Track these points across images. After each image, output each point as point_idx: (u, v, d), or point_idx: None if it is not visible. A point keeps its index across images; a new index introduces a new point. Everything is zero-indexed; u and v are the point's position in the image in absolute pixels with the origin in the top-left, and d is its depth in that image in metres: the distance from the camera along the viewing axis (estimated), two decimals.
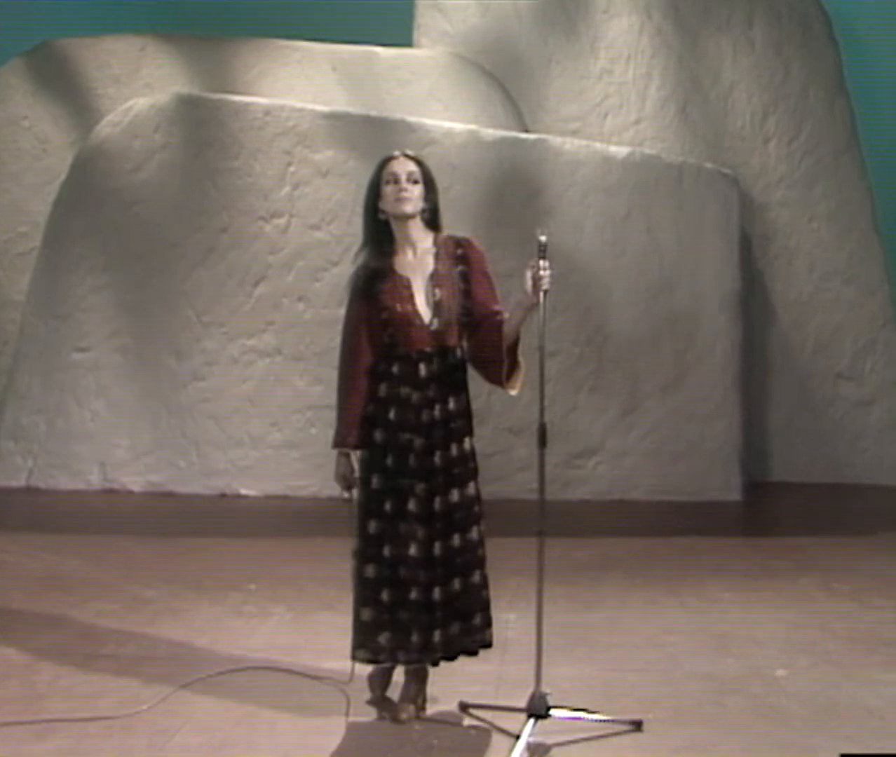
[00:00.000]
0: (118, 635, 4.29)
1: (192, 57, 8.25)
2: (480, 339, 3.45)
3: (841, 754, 3.27)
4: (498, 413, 7.38)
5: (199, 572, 5.30)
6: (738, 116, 8.41)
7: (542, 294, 3.35)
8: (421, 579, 3.37)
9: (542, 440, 3.44)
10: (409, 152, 3.52)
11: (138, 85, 8.17)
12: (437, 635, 3.40)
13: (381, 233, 3.49)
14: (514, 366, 3.47)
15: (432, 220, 3.51)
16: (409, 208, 3.44)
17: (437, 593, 3.39)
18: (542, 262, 3.36)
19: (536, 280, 3.34)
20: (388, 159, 3.50)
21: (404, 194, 3.42)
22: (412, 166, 3.46)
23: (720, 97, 8.44)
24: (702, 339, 7.75)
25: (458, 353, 3.51)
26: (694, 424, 7.71)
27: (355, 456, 3.50)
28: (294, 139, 7.47)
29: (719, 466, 7.64)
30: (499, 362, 3.43)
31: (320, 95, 7.98)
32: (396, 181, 3.44)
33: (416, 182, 3.45)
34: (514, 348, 3.46)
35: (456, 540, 3.42)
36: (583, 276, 7.60)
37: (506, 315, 3.45)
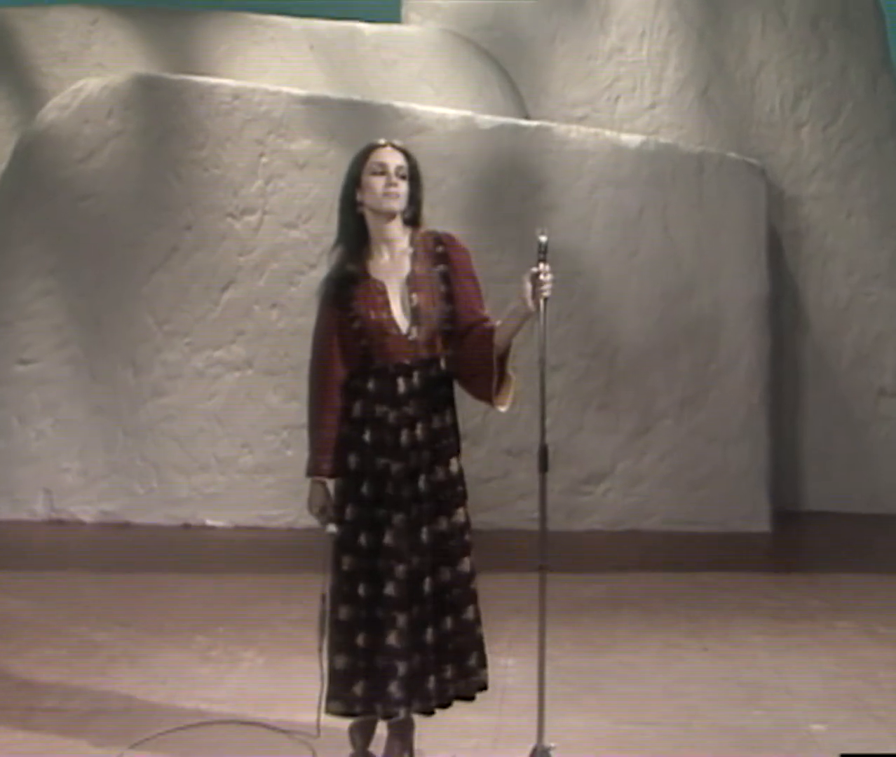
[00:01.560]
0: (64, 687, 4.29)
1: (150, 32, 8.28)
2: (467, 349, 3.44)
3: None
4: (495, 433, 7.42)
5: (159, 613, 5.32)
6: (766, 99, 8.46)
7: (542, 302, 3.34)
8: (399, 623, 3.36)
9: (544, 464, 3.46)
10: (398, 143, 3.50)
11: (89, 63, 8.17)
12: (431, 682, 3.39)
13: (357, 230, 3.49)
14: (503, 379, 3.45)
15: (412, 219, 3.52)
16: (397, 206, 3.45)
17: (429, 634, 3.39)
18: (542, 266, 3.35)
19: (536, 286, 3.33)
20: (374, 147, 3.47)
21: (395, 190, 3.43)
22: (401, 160, 3.45)
23: (746, 78, 8.49)
24: (725, 351, 7.80)
25: (442, 364, 3.52)
26: (716, 446, 7.76)
27: (332, 484, 3.51)
28: (267, 126, 7.52)
29: (745, 493, 7.68)
30: (487, 376, 3.41)
31: (296, 77, 8.03)
32: (384, 172, 3.44)
33: (403, 177, 3.46)
34: (503, 360, 3.44)
35: (446, 574, 3.43)
36: (590, 280, 7.66)
37: (496, 322, 3.43)
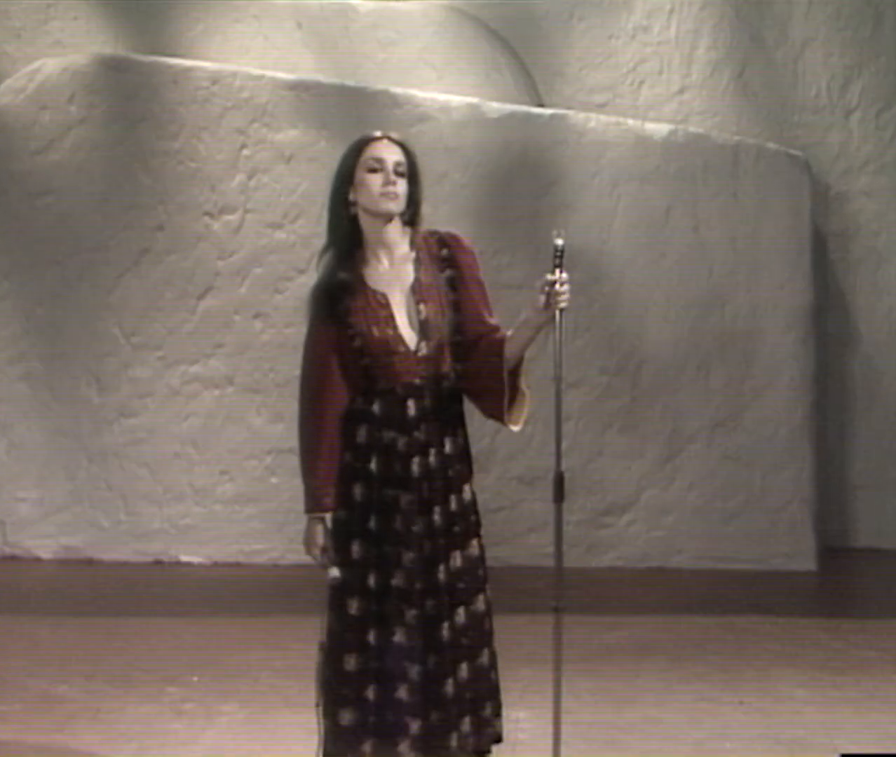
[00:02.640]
0: (18, 746, 4.29)
1: (117, 7, 8.26)
2: (476, 362, 3.43)
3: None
4: (505, 458, 7.43)
5: (126, 662, 5.34)
6: (811, 83, 8.47)
7: (558, 312, 3.34)
8: (411, 675, 3.35)
9: (560, 493, 3.48)
10: (395, 136, 3.48)
11: (47, 41, 8.10)
12: (453, 739, 3.37)
13: (349, 233, 3.48)
14: (515, 395, 3.45)
15: (411, 220, 3.52)
16: (395, 208, 3.45)
17: (449, 687, 3.37)
18: (558, 272, 3.35)
19: (551, 295, 3.33)
20: (370, 140, 3.45)
21: (392, 189, 3.43)
22: (399, 155, 3.43)
23: (788, 58, 8.50)
24: (763, 367, 7.82)
25: (452, 379, 3.53)
26: (753, 474, 7.77)
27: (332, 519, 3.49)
28: (249, 115, 7.55)
29: (786, 527, 7.69)
30: (499, 392, 3.40)
31: (282, 60, 8.02)
32: (382, 169, 3.44)
33: (402, 175, 3.46)
34: (516, 373, 3.44)
35: (461, 615, 3.41)
36: (611, 287, 7.68)
37: (507, 332, 3.44)
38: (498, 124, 7.67)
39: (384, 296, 3.44)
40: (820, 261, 8.21)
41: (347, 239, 3.46)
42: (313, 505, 3.47)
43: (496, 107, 7.72)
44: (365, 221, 3.45)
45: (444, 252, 3.50)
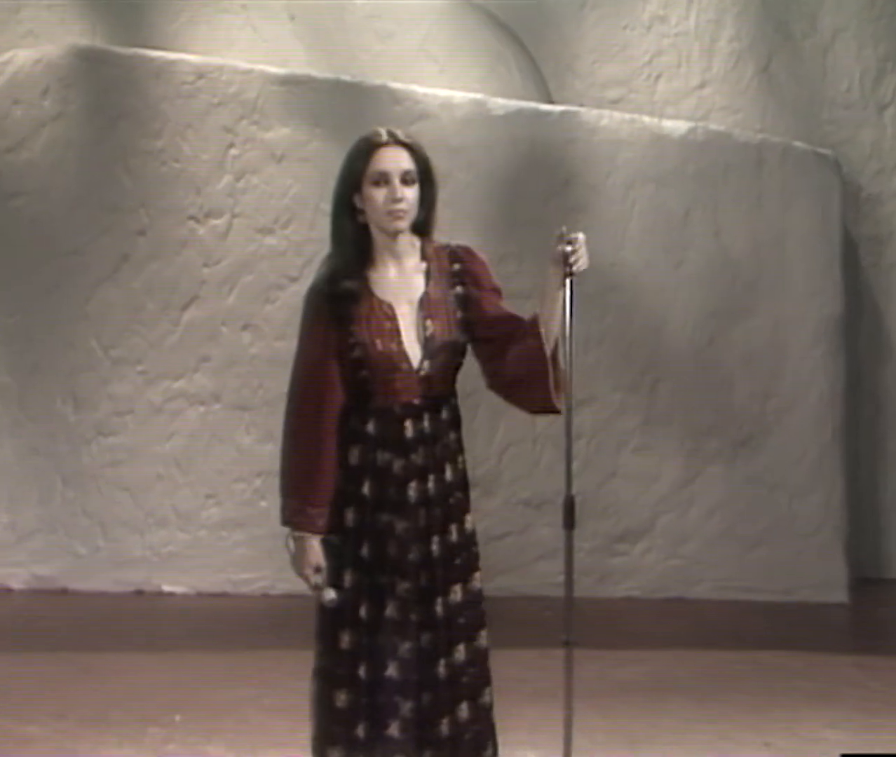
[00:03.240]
0: None
1: None
2: (515, 351, 3.41)
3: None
4: (511, 481, 7.45)
5: (103, 700, 5.34)
6: (842, 76, 8.50)
7: (568, 282, 3.35)
8: (403, 711, 3.37)
9: (571, 518, 3.49)
10: (401, 135, 3.44)
11: (18, 31, 8.07)
12: None
13: (357, 238, 3.50)
14: (557, 375, 3.43)
15: (423, 226, 3.54)
16: (403, 225, 3.46)
17: (444, 726, 3.39)
18: (576, 235, 3.35)
19: (567, 256, 3.33)
20: (373, 146, 3.42)
21: (399, 207, 3.42)
22: (406, 162, 3.40)
23: (818, 50, 8.53)
24: (790, 382, 7.84)
25: (454, 403, 3.56)
26: (780, 498, 7.79)
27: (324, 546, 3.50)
28: (237, 111, 7.58)
29: (816, 555, 7.70)
30: (543, 373, 3.39)
31: (273, 52, 8.04)
32: (387, 182, 3.41)
33: (411, 183, 3.47)
34: (554, 352, 3.42)
35: (461, 652, 3.42)
36: (626, 297, 7.71)
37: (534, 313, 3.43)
38: (504, 122, 7.70)
39: (391, 307, 3.45)
40: (851, 268, 8.24)
41: (354, 243, 3.47)
42: (305, 522, 3.49)
43: (502, 103, 7.76)
44: (373, 229, 3.48)
45: (456, 267, 3.51)
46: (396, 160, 3.42)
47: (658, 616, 7.26)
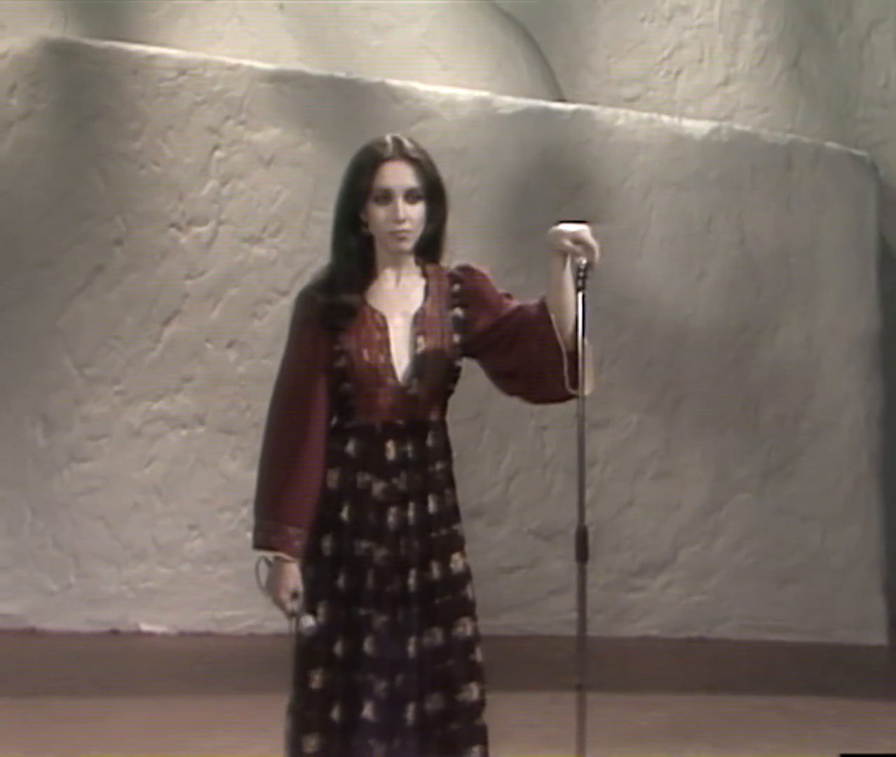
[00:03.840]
0: None
1: None
2: (524, 337, 3.45)
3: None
4: (520, 509, 7.46)
5: (77, 748, 5.33)
6: (879, 71, 8.53)
7: (580, 297, 3.39)
8: (376, 754, 3.37)
9: (584, 550, 3.50)
10: (408, 146, 3.46)
11: None
12: None
13: (359, 250, 3.53)
14: (573, 359, 3.46)
15: (429, 249, 3.57)
16: (406, 247, 3.49)
17: None
18: (583, 225, 3.39)
19: (579, 270, 3.38)
20: (377, 161, 3.48)
21: (401, 228, 3.47)
22: (412, 178, 3.43)
23: (853, 43, 8.56)
24: (822, 403, 7.86)
25: (442, 431, 3.59)
26: (812, 529, 7.80)
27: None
28: (223, 111, 7.60)
29: (851, 593, 7.71)
30: (558, 361, 3.43)
31: (262, 47, 8.06)
32: (389, 200, 3.46)
33: (417, 200, 3.50)
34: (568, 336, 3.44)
35: (438, 701, 3.42)
36: (644, 312, 7.74)
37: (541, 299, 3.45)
38: (511, 122, 7.74)
39: (383, 318, 3.49)
40: (888, 279, 8.25)
41: (357, 258, 3.51)
42: (282, 543, 3.52)
43: (509, 102, 7.80)
44: (377, 242, 3.52)
45: (456, 287, 3.55)
46: (400, 177, 3.45)
47: (679, 657, 7.27)
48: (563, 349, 3.45)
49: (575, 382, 3.48)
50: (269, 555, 3.54)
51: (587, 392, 3.51)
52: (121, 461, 7.51)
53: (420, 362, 3.48)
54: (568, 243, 3.46)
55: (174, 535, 7.51)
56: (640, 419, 7.70)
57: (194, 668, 6.86)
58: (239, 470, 7.48)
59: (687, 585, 7.70)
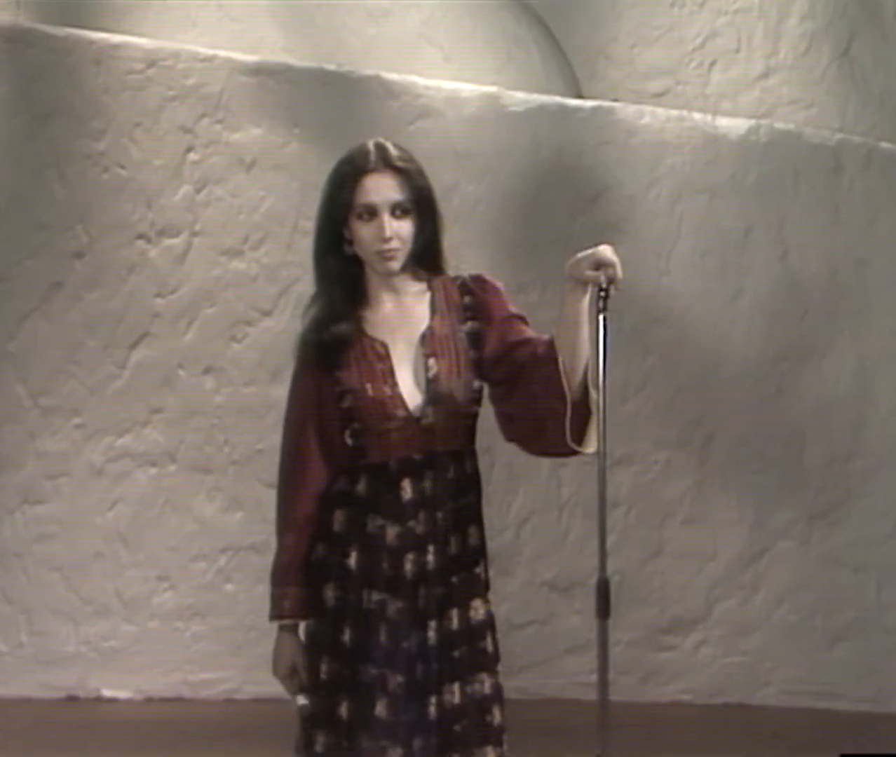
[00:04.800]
0: None
1: None
2: (527, 379, 3.46)
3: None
4: (533, 558, 7.47)
5: None
6: None
7: (601, 319, 3.41)
8: None
9: (605, 605, 3.51)
10: (392, 154, 3.51)
11: None
12: None
13: (345, 273, 3.58)
14: (584, 411, 3.45)
15: (428, 260, 3.61)
16: (394, 266, 3.54)
17: None
18: (602, 246, 3.40)
19: (600, 288, 3.38)
20: (359, 172, 3.48)
21: (388, 247, 3.51)
22: (397, 191, 3.48)
23: None
24: (876, 438, 7.87)
25: (468, 460, 3.64)
26: (865, 581, 7.80)
27: (303, 630, 3.59)
28: (198, 107, 7.61)
29: None
30: (561, 409, 3.43)
31: (242, 37, 8.05)
32: (372, 215, 3.48)
33: (404, 214, 3.54)
34: (582, 383, 3.45)
35: None
36: (672, 334, 7.76)
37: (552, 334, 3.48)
38: (523, 121, 7.77)
39: (384, 345, 3.53)
40: None
41: (342, 283, 3.56)
42: (273, 610, 3.59)
43: (521, 98, 7.83)
44: (365, 263, 3.56)
45: (467, 299, 3.59)
46: (384, 191, 3.50)
47: (714, 725, 7.26)
48: (568, 397, 3.45)
49: (579, 436, 3.49)
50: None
51: (590, 450, 3.51)
52: (80, 504, 7.50)
53: (434, 388, 3.53)
54: (589, 271, 3.45)
55: (141, 587, 7.51)
56: (668, 456, 7.72)
57: (163, 737, 6.85)
58: (216, 513, 7.49)
59: (723, 645, 7.71)
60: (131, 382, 7.54)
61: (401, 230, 3.50)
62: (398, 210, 3.51)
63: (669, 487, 7.71)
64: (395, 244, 3.51)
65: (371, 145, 3.57)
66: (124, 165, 7.56)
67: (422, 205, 3.54)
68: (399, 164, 3.53)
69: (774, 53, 8.58)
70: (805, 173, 7.94)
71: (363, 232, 3.50)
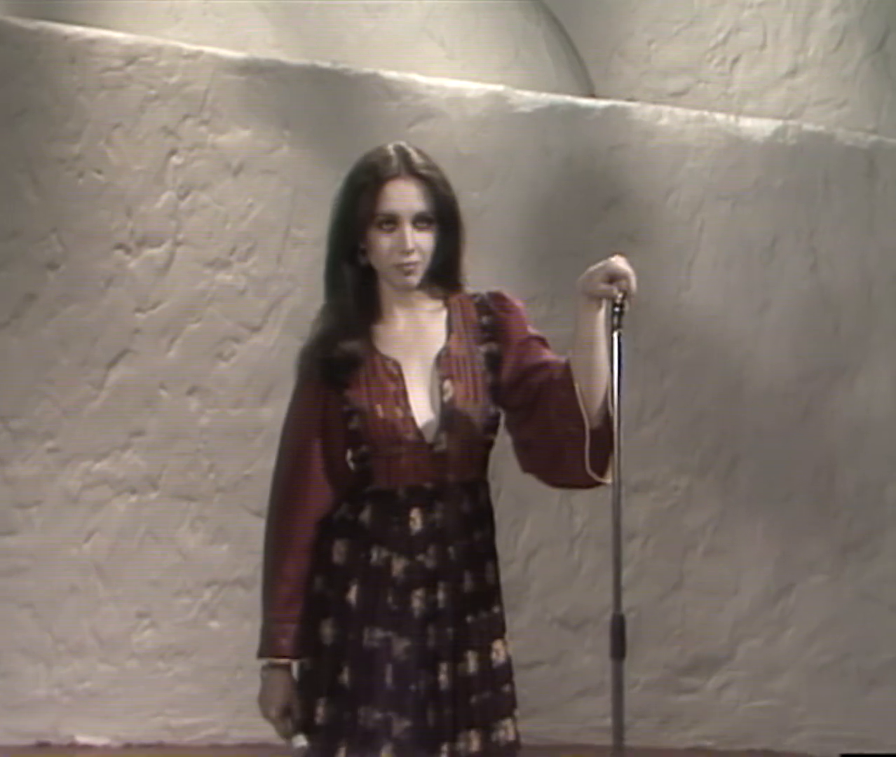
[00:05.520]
0: None
1: None
2: (545, 409, 3.49)
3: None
4: (542, 593, 7.49)
5: None
6: None
7: (615, 336, 3.44)
8: None
9: (621, 643, 3.53)
10: (416, 161, 3.54)
11: None
12: None
13: (360, 286, 3.59)
14: (602, 437, 3.48)
15: (447, 277, 3.63)
16: (414, 281, 3.56)
17: None
18: (614, 257, 3.44)
19: (615, 302, 3.41)
20: (381, 178, 3.52)
21: (409, 260, 3.52)
22: (421, 200, 3.51)
23: None
24: None
25: (482, 492, 3.64)
26: None
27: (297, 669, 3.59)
28: (181, 108, 7.61)
29: None
30: (579, 436, 3.46)
31: (229, 32, 8.05)
32: (395, 227, 3.53)
33: (427, 226, 3.56)
34: (602, 408, 3.47)
35: None
36: (693, 352, 7.77)
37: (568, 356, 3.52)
38: (531, 122, 7.79)
39: (396, 365, 3.55)
40: None
41: (355, 296, 3.57)
42: (267, 647, 3.59)
43: (529, 97, 7.86)
44: (380, 276, 3.58)
45: (485, 319, 3.61)
46: (408, 199, 3.54)
47: None
48: (587, 423, 3.47)
49: (601, 466, 3.51)
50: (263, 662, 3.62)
51: (609, 480, 3.53)
52: (54, 534, 7.50)
53: (448, 413, 3.55)
54: (602, 285, 3.46)
55: (119, 625, 7.51)
56: (689, 483, 7.73)
57: None
58: (200, 545, 7.48)
59: (748, 687, 7.70)
60: (109, 403, 7.54)
61: (422, 243, 3.53)
62: (420, 221, 3.53)
63: (690, 516, 7.72)
64: (415, 257, 3.53)
65: (392, 150, 3.59)
66: (101, 170, 7.57)
67: (445, 217, 3.57)
68: (423, 171, 3.57)
69: (803, 49, 8.58)
70: (836, 178, 7.95)
71: (382, 242, 3.51)
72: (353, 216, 3.55)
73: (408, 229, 3.52)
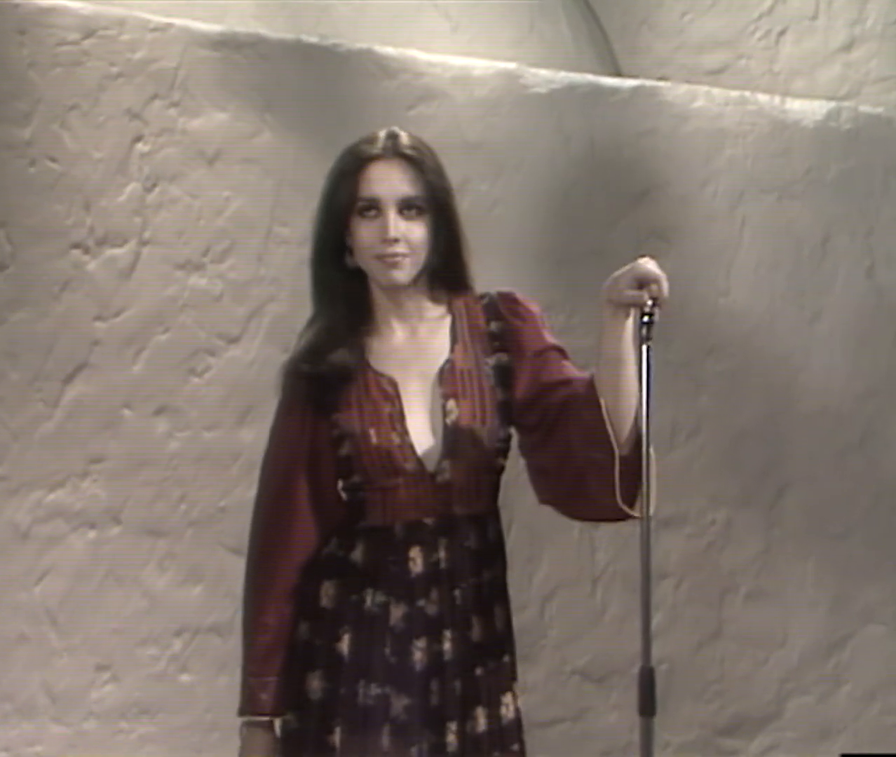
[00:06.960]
0: None
1: None
2: (566, 431, 3.50)
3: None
4: (560, 642, 7.50)
5: None
6: None
7: (644, 348, 3.46)
8: None
9: (650, 699, 3.56)
10: (405, 142, 3.60)
11: None
12: None
13: (350, 291, 3.60)
14: (631, 464, 3.49)
15: (449, 277, 3.64)
16: (401, 277, 3.57)
17: None
18: (643, 259, 3.45)
19: (643, 308, 3.43)
20: (362, 161, 3.58)
21: (393, 250, 3.54)
22: (408, 184, 3.57)
23: None
24: None
25: (491, 525, 3.64)
26: None
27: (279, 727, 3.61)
28: (148, 87, 7.64)
29: None
30: (607, 463, 3.46)
31: (203, 1, 8.11)
32: (377, 213, 3.56)
33: (417, 215, 3.57)
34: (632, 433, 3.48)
35: None
36: (733, 366, 7.80)
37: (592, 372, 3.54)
38: (547, 104, 7.83)
39: (392, 383, 3.58)
40: None
41: (345, 302, 3.58)
42: (247, 703, 3.60)
43: (545, 76, 7.89)
44: (370, 279, 3.59)
45: (495, 326, 3.63)
46: (393, 181, 3.58)
47: None
48: (616, 449, 3.47)
49: (630, 497, 3.52)
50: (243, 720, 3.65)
51: (638, 513, 3.54)
52: (0, 576, 7.52)
53: (451, 437, 3.58)
54: (630, 291, 3.47)
55: (76, 679, 7.53)
56: (728, 516, 7.74)
57: None
58: (169, 587, 7.50)
59: (798, 749, 7.72)
60: (65, 425, 7.56)
61: (410, 233, 3.54)
62: (408, 208, 3.55)
63: (730, 554, 7.74)
64: (400, 248, 3.54)
65: (381, 132, 3.61)
66: (56, 158, 7.59)
67: (440, 204, 3.57)
68: (411, 152, 3.61)
69: (859, 20, 8.63)
70: None
71: (363, 231, 3.53)
72: (334, 205, 3.58)
73: (391, 215, 3.54)
